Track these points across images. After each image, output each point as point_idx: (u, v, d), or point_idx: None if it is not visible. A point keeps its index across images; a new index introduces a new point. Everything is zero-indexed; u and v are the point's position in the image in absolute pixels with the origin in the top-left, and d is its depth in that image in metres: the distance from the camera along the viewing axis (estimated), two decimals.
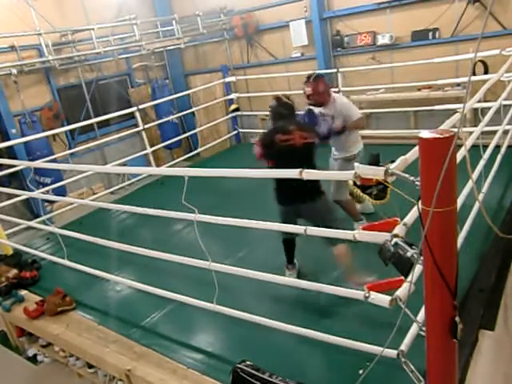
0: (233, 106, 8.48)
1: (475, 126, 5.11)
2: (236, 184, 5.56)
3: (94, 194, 7.09)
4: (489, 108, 4.03)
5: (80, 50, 7.38)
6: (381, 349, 1.98)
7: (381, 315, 2.45)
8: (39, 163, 5.37)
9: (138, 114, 6.79)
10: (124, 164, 6.66)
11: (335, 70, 7.21)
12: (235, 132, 8.66)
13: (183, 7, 8.92)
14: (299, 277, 3.61)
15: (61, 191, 6.51)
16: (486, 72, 6.05)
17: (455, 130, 1.53)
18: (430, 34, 6.68)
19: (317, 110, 4.06)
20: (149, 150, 6.91)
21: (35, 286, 4.38)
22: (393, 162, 1.93)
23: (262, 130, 8.89)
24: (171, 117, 7.96)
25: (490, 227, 2.42)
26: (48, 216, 5.68)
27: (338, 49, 7.66)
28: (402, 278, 2.01)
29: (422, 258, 1.72)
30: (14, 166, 5.37)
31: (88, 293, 4.03)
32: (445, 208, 1.57)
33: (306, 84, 3.97)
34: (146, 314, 3.54)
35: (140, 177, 7.06)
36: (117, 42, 7.80)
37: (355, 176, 2.00)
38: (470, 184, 2.69)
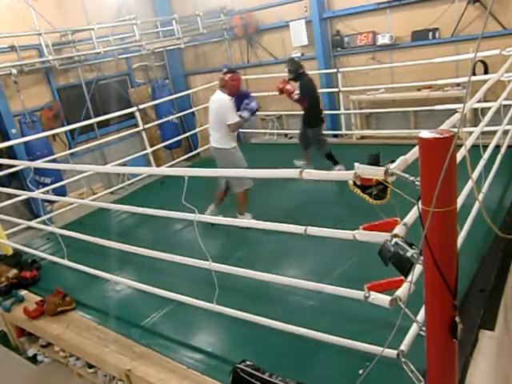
0: None
1: (475, 125, 5.11)
2: None
3: (94, 194, 7.08)
4: (489, 108, 4.03)
5: (80, 50, 7.39)
6: (381, 349, 1.98)
7: (381, 315, 2.45)
8: (39, 163, 5.38)
9: (137, 114, 6.79)
10: (124, 164, 6.66)
11: (335, 70, 7.23)
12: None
13: (183, 7, 8.93)
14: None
15: (61, 191, 6.51)
16: (486, 72, 6.06)
17: (455, 130, 1.53)
18: (430, 33, 6.68)
19: None
20: (149, 149, 6.91)
21: (35, 286, 4.38)
22: (393, 162, 1.93)
23: (262, 130, 8.96)
24: (171, 117, 7.96)
25: (489, 227, 2.42)
26: (48, 216, 5.67)
27: (338, 49, 7.67)
28: (402, 277, 2.01)
29: (421, 257, 1.72)
30: (14, 166, 5.37)
31: (88, 293, 4.03)
32: (445, 208, 1.57)
33: None
34: (146, 314, 3.54)
35: (140, 177, 7.06)
36: (117, 42, 7.80)
37: (355, 176, 2.00)
38: (469, 184, 2.69)
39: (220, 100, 4.66)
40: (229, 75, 4.70)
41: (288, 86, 5.46)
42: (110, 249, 3.62)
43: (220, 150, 4.72)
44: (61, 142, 7.52)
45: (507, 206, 4.20)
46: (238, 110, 4.73)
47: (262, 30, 8.43)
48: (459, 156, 1.90)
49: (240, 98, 4.81)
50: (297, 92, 5.46)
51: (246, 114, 4.74)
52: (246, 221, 4.07)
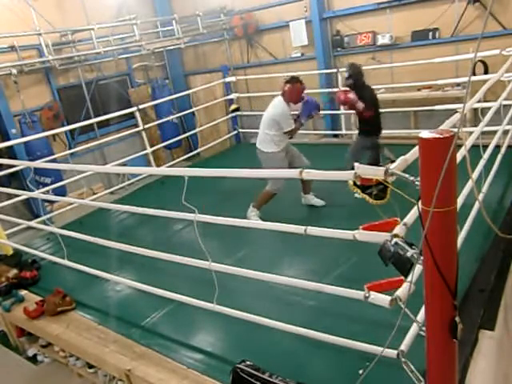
0: (233, 106, 8.48)
1: (475, 125, 5.11)
2: (236, 184, 5.57)
3: (94, 194, 7.08)
4: (489, 108, 4.03)
5: (80, 50, 7.38)
6: (381, 349, 1.98)
7: (381, 315, 2.45)
8: (39, 163, 5.37)
9: (137, 114, 6.79)
10: (124, 164, 6.66)
11: (335, 70, 7.22)
12: (235, 132, 8.67)
13: (183, 7, 8.92)
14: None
15: (61, 191, 6.51)
16: (486, 72, 6.06)
17: (455, 129, 1.53)
18: (430, 33, 6.68)
19: None
20: (149, 149, 6.91)
21: (35, 286, 4.38)
22: (393, 162, 1.93)
23: None
24: (171, 117, 7.96)
25: (489, 227, 2.42)
26: (48, 216, 5.67)
27: (338, 49, 7.66)
28: (402, 277, 2.01)
29: (421, 257, 1.72)
30: (14, 166, 5.37)
31: (88, 293, 4.03)
32: (445, 208, 1.57)
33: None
34: (146, 314, 3.54)
35: (140, 177, 7.06)
36: (117, 42, 7.80)
37: (355, 176, 2.00)
38: (469, 184, 2.69)
39: (277, 106, 4.74)
40: (288, 85, 4.68)
41: (351, 96, 4.77)
42: (110, 249, 3.62)
43: (259, 151, 4.92)
44: (61, 142, 7.51)
45: (507, 206, 4.20)
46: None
47: (262, 30, 8.42)
48: (459, 156, 1.91)
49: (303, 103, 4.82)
50: (361, 104, 4.76)
51: (303, 119, 4.83)
52: (246, 221, 4.07)
